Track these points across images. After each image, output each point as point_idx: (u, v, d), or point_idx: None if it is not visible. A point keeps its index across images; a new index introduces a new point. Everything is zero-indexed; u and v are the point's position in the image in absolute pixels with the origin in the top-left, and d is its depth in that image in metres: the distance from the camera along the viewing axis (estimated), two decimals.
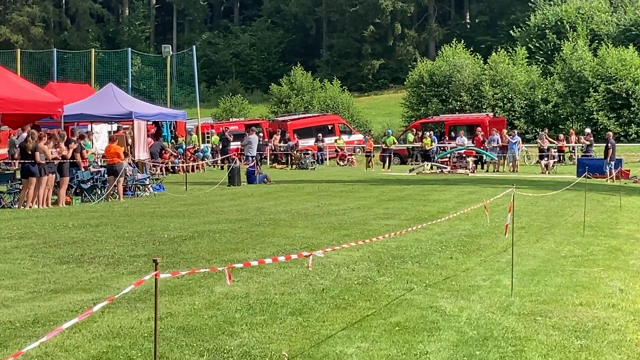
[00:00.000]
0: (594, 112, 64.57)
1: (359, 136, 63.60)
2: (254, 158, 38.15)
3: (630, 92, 64.38)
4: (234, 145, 49.47)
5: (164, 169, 40.79)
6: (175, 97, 66.60)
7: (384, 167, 50.71)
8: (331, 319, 10.18)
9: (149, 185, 30.94)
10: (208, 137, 58.70)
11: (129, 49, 64.74)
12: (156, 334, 6.79)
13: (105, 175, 28.85)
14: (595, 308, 11.16)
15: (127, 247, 15.81)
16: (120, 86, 43.69)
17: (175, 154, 47.22)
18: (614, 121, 64.05)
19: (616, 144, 42.71)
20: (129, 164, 30.55)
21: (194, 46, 65.05)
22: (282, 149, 58.13)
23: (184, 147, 49.44)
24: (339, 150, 58.42)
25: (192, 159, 50.03)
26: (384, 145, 53.03)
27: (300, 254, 9.36)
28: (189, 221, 20.56)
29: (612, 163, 38.73)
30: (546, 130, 55.32)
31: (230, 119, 69.69)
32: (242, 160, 38.06)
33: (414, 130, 59.31)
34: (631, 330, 10.06)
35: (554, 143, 51.11)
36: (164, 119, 44.25)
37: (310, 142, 58.87)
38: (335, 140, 59.48)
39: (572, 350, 9.10)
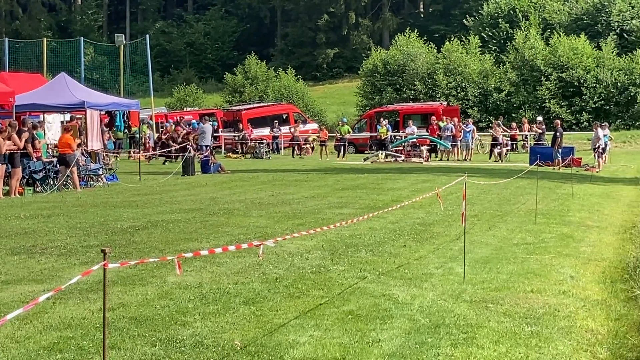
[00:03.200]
0: (546, 101, 65.11)
1: (314, 125, 63.56)
2: (208, 147, 38.01)
3: (581, 81, 64.96)
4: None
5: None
6: (129, 87, 66.23)
7: (338, 156, 50.75)
8: (284, 308, 10.19)
9: (102, 176, 30.73)
10: (162, 127, 58.39)
11: (82, 38, 64.17)
12: (105, 323, 6.76)
13: (58, 166, 28.59)
14: (546, 295, 11.25)
15: (79, 238, 15.71)
16: (73, 76, 43.27)
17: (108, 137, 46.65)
18: (565, 109, 64.63)
19: (568, 132, 43.05)
20: (82, 154, 30.29)
21: (147, 35, 64.50)
22: (236, 139, 57.94)
23: (139, 136, 49.30)
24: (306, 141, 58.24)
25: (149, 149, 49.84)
26: (338, 135, 53.04)
27: (251, 244, 9.35)
28: (142, 211, 20.47)
29: (560, 151, 38.98)
30: (501, 119, 55.67)
31: (185, 109, 69.35)
32: (196, 150, 37.89)
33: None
34: (581, 317, 10.15)
35: (506, 131, 51.37)
36: (117, 109, 43.99)
37: (265, 131, 58.72)
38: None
39: (522, 337, 9.17)
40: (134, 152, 48.15)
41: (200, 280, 11.75)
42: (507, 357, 8.50)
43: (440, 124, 49.51)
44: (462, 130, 48.17)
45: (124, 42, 62.31)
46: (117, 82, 62.80)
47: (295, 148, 55.47)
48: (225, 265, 12.82)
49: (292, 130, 56.78)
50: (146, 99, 61.47)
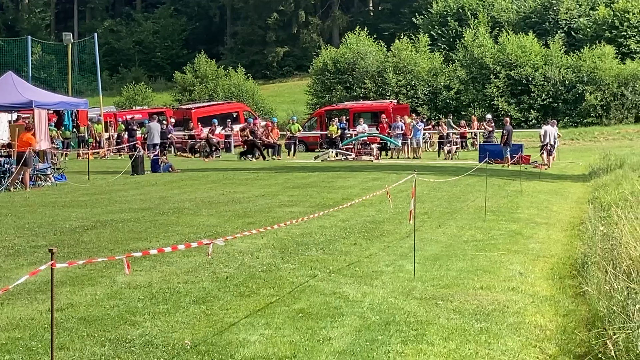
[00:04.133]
0: (495, 99, 65.50)
1: (264, 124, 63.41)
2: (156, 146, 37.78)
3: (530, 79, 65.45)
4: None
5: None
6: (77, 86, 65.60)
7: (288, 155, 50.69)
8: (235, 307, 10.18)
9: (51, 175, 30.44)
10: (111, 126, 58.01)
11: (29, 37, 63.48)
12: (53, 323, 6.72)
13: (6, 165, 28.27)
14: (495, 291, 11.34)
15: (27, 238, 15.57)
16: (20, 75, 42.87)
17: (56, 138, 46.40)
18: (514, 107, 65.10)
19: (517, 130, 43.35)
20: (30, 153, 29.98)
21: (96, 34, 64.00)
22: (186, 138, 57.66)
23: (87, 137, 48.95)
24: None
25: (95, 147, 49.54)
26: (288, 133, 52.99)
27: (201, 242, 9.33)
28: (92, 211, 20.33)
29: (508, 149, 39.21)
30: (450, 117, 55.93)
31: (134, 107, 68.94)
32: (145, 149, 37.67)
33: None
34: (530, 313, 10.24)
35: (455, 129, 51.61)
36: (65, 108, 43.56)
37: (216, 130, 58.44)
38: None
39: (472, 333, 9.24)
40: (111, 150, 47.86)
41: (150, 279, 11.69)
42: (456, 354, 8.55)
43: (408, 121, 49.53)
44: (413, 128, 48.30)
45: (72, 40, 61.71)
46: (65, 81, 62.22)
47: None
48: (175, 264, 12.77)
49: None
50: (95, 98, 60.96)
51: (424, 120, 55.70)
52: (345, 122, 52.53)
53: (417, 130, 48.30)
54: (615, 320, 8.64)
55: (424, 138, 51.10)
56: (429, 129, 54.95)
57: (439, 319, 9.77)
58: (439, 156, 47.08)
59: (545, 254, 14.48)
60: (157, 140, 38.17)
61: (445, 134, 49.39)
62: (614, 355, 7.91)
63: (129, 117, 57.07)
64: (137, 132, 47.73)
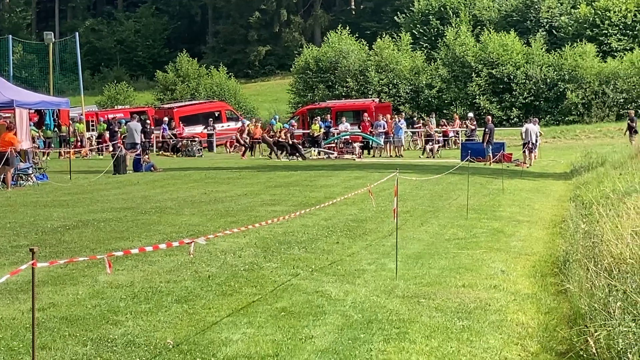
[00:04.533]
0: (477, 97, 65.64)
1: (246, 122, 63.44)
2: (136, 145, 37.70)
3: (511, 77, 65.63)
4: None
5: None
6: (59, 85, 65.25)
7: (271, 154, 50.62)
8: (217, 306, 10.17)
9: (32, 175, 30.34)
10: (93, 125, 57.84)
11: (10, 36, 63.17)
12: (34, 323, 6.71)
13: None
14: (477, 289, 11.36)
15: (8, 238, 15.50)
16: (1, 74, 42.77)
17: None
18: (496, 105, 65.26)
19: (499, 128, 43.48)
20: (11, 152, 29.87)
21: (77, 33, 63.80)
22: (168, 137, 57.56)
23: (69, 136, 48.75)
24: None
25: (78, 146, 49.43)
26: (271, 132, 52.90)
27: (182, 241, 9.32)
28: (73, 210, 20.26)
29: (490, 147, 39.28)
30: (433, 115, 56.01)
31: (116, 107, 68.74)
32: (127, 148, 37.58)
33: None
34: (512, 311, 10.27)
35: (438, 128, 51.72)
36: (46, 107, 43.44)
37: (197, 129, 58.42)
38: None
39: (454, 331, 9.25)
40: (94, 150, 47.68)
41: (132, 279, 11.67)
42: (439, 352, 8.56)
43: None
44: (394, 127, 48.37)
45: (53, 40, 61.41)
46: (46, 80, 61.97)
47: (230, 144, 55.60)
48: (157, 263, 12.75)
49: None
50: (76, 97, 60.68)
51: (408, 118, 55.81)
52: (330, 120, 52.58)
53: (398, 128, 48.36)
54: (597, 317, 8.67)
55: (412, 137, 51.26)
56: (419, 127, 55.15)
57: (421, 317, 9.78)
58: (422, 154, 47.09)
59: (527, 252, 14.52)
60: (137, 139, 38.07)
61: (432, 133, 49.46)
62: (595, 352, 7.93)
63: (110, 116, 56.89)
64: (119, 131, 47.62)
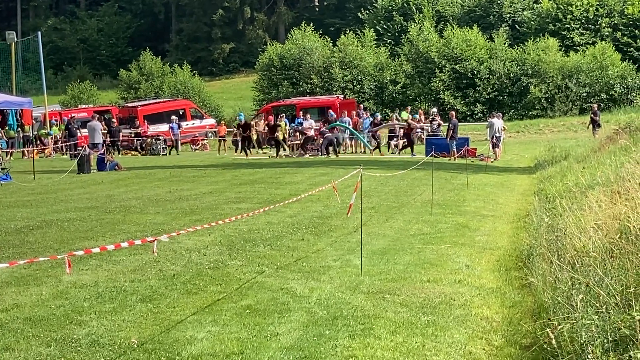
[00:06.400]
0: (441, 92, 65.86)
1: (211, 120, 63.37)
2: (97, 145, 37.53)
3: (475, 72, 65.92)
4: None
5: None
6: (21, 85, 65.00)
7: (236, 152, 50.56)
8: (182, 305, 10.15)
9: None
10: (56, 125, 57.50)
11: None
12: None
13: None
14: (442, 284, 11.40)
15: None
16: None
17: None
18: (460, 100, 65.49)
19: (463, 123, 43.67)
20: None
21: (39, 32, 63.41)
22: (132, 136, 57.35)
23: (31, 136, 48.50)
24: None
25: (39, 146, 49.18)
26: (236, 130, 52.84)
27: (145, 240, 9.29)
28: (37, 210, 20.15)
29: (454, 142, 39.41)
30: (397, 111, 56.10)
31: (79, 106, 68.39)
32: (91, 148, 37.42)
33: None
34: (476, 305, 10.32)
35: (403, 124, 51.76)
36: (9, 107, 43.22)
37: (162, 127, 58.22)
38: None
39: (419, 326, 9.28)
40: (120, 151, 47.38)
41: (96, 278, 11.62)
42: (403, 347, 8.59)
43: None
44: (361, 123, 48.45)
45: (16, 39, 61.11)
46: (9, 80, 61.59)
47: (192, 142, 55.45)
48: (121, 263, 12.71)
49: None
50: (39, 97, 60.39)
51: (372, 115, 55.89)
52: (301, 118, 52.57)
53: (366, 124, 48.51)
54: (560, 310, 8.72)
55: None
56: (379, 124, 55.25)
57: (386, 313, 9.81)
58: (388, 150, 47.12)
59: (491, 246, 14.59)
60: (97, 139, 37.94)
61: (396, 129, 49.49)
62: (558, 345, 7.98)
63: (70, 116, 56.67)
64: (78, 131, 47.38)
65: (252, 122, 49.64)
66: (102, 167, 35.60)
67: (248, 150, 45.00)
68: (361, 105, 56.98)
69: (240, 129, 46.54)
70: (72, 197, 23.49)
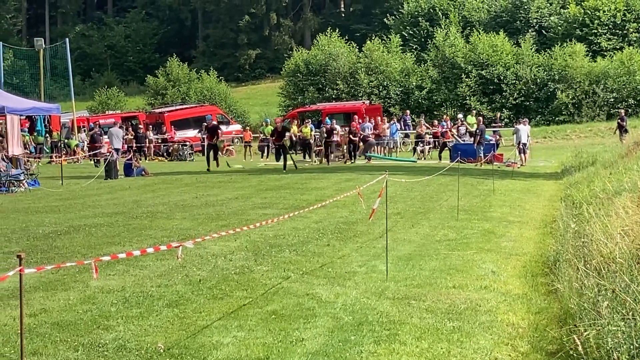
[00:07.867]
0: (467, 98, 65.68)
1: (237, 126, 63.48)
2: (118, 151, 37.71)
3: (501, 78, 65.68)
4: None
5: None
6: (50, 91, 65.20)
7: (262, 157, 50.65)
8: (208, 310, 10.19)
9: (24, 181, 30.32)
10: (84, 131, 57.73)
11: (0, 43, 63.20)
12: (22, 329, 6.73)
13: None
14: (468, 290, 11.39)
15: (0, 244, 15.49)
16: None
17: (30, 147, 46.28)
18: (486, 106, 65.26)
19: (489, 129, 43.57)
20: (2, 159, 29.90)
21: (67, 39, 63.74)
22: (159, 141, 57.57)
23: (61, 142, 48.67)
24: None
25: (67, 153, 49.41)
26: (262, 135, 52.93)
27: (170, 245, 9.33)
28: (65, 216, 20.27)
29: (481, 148, 39.31)
30: (423, 116, 56.02)
31: (107, 112, 68.74)
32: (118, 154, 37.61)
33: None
34: (502, 311, 10.29)
35: (429, 129, 51.79)
36: (37, 113, 43.42)
37: (189, 133, 58.40)
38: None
39: (444, 332, 9.28)
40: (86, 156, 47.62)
41: (123, 283, 11.68)
42: (429, 353, 8.59)
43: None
44: (389, 129, 48.54)
45: (44, 46, 61.34)
46: (37, 86, 61.89)
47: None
48: (148, 268, 12.76)
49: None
50: (67, 103, 60.66)
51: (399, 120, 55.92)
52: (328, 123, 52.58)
53: (395, 130, 48.61)
54: (586, 317, 8.70)
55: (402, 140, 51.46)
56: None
57: (411, 319, 9.81)
58: (413, 155, 47.11)
59: (517, 252, 14.55)
60: (117, 145, 38.17)
61: (423, 134, 49.52)
62: (584, 352, 7.97)
63: (102, 121, 56.98)
64: (102, 137, 47.52)
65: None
66: (129, 172, 35.77)
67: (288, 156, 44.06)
68: (407, 111, 57.27)
69: (276, 134, 45.12)
70: (100, 203, 23.61)
